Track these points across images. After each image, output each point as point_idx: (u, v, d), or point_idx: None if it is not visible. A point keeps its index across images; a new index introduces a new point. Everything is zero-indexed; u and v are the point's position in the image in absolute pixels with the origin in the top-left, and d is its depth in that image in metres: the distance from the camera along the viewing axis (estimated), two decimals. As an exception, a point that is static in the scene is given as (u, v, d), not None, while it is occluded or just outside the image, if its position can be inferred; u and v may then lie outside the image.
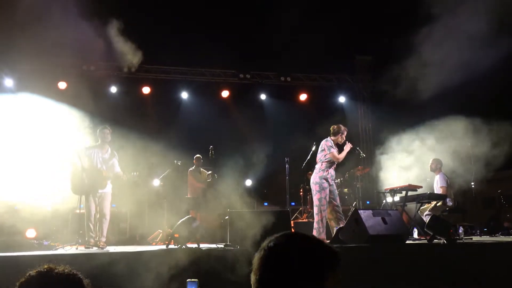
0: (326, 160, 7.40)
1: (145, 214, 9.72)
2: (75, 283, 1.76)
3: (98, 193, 7.39)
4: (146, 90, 12.46)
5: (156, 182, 9.80)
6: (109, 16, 8.71)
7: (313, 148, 9.59)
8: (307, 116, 12.63)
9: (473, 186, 10.30)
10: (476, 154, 9.70)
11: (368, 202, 11.90)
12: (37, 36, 8.31)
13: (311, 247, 1.53)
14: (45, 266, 1.75)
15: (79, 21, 8.27)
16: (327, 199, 7.25)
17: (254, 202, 10.93)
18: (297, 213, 11.15)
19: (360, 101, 14.00)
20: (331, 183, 7.38)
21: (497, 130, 9.27)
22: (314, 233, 7.20)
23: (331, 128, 7.66)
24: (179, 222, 6.66)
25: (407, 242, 6.86)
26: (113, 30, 8.72)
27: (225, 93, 12.97)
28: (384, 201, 9.30)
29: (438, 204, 8.49)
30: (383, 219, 6.49)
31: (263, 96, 13.28)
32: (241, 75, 12.99)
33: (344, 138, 7.60)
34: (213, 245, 6.74)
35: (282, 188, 10.47)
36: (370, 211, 6.67)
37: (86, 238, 7.24)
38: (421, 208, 8.47)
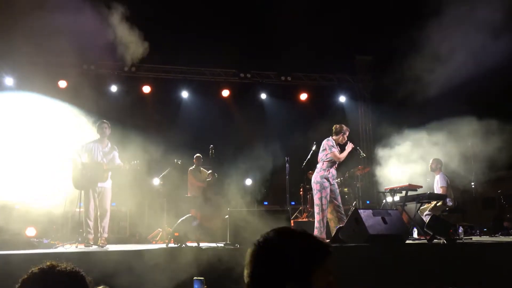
0: (327, 159, 7.40)
1: (145, 212, 9.73)
2: (77, 281, 1.76)
3: (98, 188, 7.39)
4: (146, 89, 12.45)
5: (156, 181, 9.80)
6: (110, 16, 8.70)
7: (313, 148, 9.59)
8: (307, 115, 12.63)
9: (473, 186, 10.30)
10: (476, 154, 9.71)
11: (368, 202, 11.90)
12: (37, 35, 8.31)
13: (298, 242, 1.56)
14: (48, 263, 1.75)
15: (80, 18, 8.26)
16: (328, 198, 7.25)
17: (254, 201, 10.95)
18: (297, 213, 11.16)
19: (360, 101, 14.00)
20: (332, 183, 7.38)
21: (497, 130, 9.27)
22: (316, 232, 7.20)
23: (333, 128, 7.67)
24: (179, 221, 6.67)
25: (407, 242, 6.86)
26: (117, 17, 8.64)
27: (225, 93, 12.96)
28: (384, 201, 9.31)
29: (438, 204, 8.50)
30: (383, 219, 6.50)
31: (263, 96, 13.27)
32: (242, 75, 12.98)
33: (346, 138, 7.60)
34: (213, 244, 6.74)
35: (282, 188, 10.47)
36: (370, 210, 6.68)
37: (84, 234, 7.25)
38: (421, 208, 8.48)
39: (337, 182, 7.82)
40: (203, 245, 6.54)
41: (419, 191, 8.37)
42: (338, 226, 6.95)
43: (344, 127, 7.63)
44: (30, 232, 7.64)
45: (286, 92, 13.43)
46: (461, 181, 9.77)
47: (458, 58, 9.11)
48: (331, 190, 7.32)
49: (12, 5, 8.05)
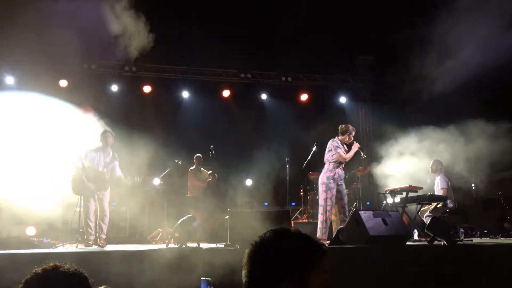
0: (333, 160, 7.41)
1: (145, 213, 9.70)
2: (80, 282, 1.76)
3: (97, 193, 7.41)
4: (147, 89, 12.44)
5: (156, 181, 9.79)
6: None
7: (314, 148, 9.60)
8: (307, 116, 12.62)
9: (473, 187, 10.30)
10: (477, 155, 9.70)
11: (368, 203, 11.90)
12: (38, 34, 8.30)
13: (294, 242, 1.60)
14: (51, 264, 1.75)
15: (82, 10, 8.23)
16: (333, 199, 7.26)
17: (254, 202, 10.93)
18: (297, 213, 11.15)
19: (361, 101, 13.99)
20: (339, 183, 7.39)
21: (498, 131, 9.26)
22: (318, 233, 7.21)
23: (339, 128, 7.67)
24: (179, 221, 6.66)
25: (408, 243, 6.86)
26: (121, 6, 8.56)
27: (226, 93, 12.96)
28: (384, 202, 9.30)
29: (438, 206, 8.48)
30: (384, 220, 6.49)
31: (264, 96, 13.26)
32: (242, 75, 12.98)
33: (352, 138, 7.60)
34: (213, 245, 6.74)
35: (282, 188, 10.48)
36: (371, 212, 6.67)
37: (85, 236, 7.25)
38: (421, 209, 8.47)
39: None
40: (203, 245, 6.54)
41: (420, 192, 8.36)
42: (339, 227, 6.94)
43: (350, 127, 7.64)
44: (30, 231, 7.65)
45: (287, 92, 13.43)
46: (462, 182, 9.76)
47: (459, 58, 9.11)
48: (337, 191, 7.33)
49: (12, 3, 8.05)
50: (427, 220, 7.84)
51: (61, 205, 8.10)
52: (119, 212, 9.43)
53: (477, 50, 8.89)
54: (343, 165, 7.57)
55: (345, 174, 10.48)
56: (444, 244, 6.50)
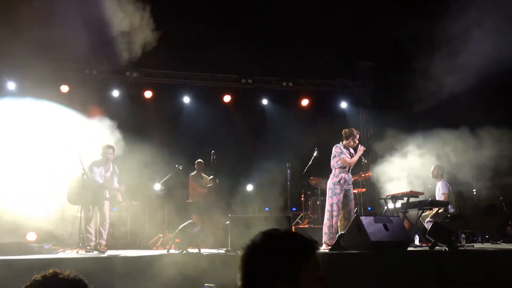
0: (338, 166, 7.43)
1: (145, 218, 9.70)
2: (80, 288, 1.76)
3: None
4: (148, 94, 12.46)
5: (157, 187, 9.79)
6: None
7: (315, 154, 9.59)
8: (309, 121, 12.61)
9: (475, 192, 10.28)
10: (479, 161, 9.70)
11: (369, 208, 11.87)
12: (39, 39, 8.32)
13: (284, 242, 1.63)
14: (51, 271, 1.75)
15: (82, 22, 8.25)
16: (340, 205, 7.25)
17: (255, 207, 10.93)
18: (298, 219, 11.14)
19: (361, 107, 13.98)
20: (346, 188, 7.39)
21: (499, 136, 9.26)
22: (324, 238, 7.20)
23: (342, 132, 7.67)
24: (180, 227, 6.65)
25: (409, 249, 6.84)
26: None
27: (227, 98, 12.97)
28: (385, 207, 9.29)
29: (439, 211, 8.47)
30: (385, 226, 6.47)
31: (265, 101, 13.26)
32: (243, 80, 12.98)
33: (357, 142, 7.60)
34: (214, 250, 6.73)
35: (283, 194, 10.46)
36: (372, 217, 6.66)
37: (85, 242, 7.25)
38: (422, 214, 8.45)
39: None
40: (204, 251, 6.53)
41: (421, 197, 8.35)
42: (340, 233, 6.93)
43: (354, 131, 7.65)
44: (31, 237, 7.65)
45: (288, 98, 13.43)
46: (463, 187, 9.76)
47: (460, 65, 9.12)
48: (344, 196, 7.32)
49: (13, 8, 8.06)
50: (428, 226, 7.82)
51: (61, 211, 8.10)
52: (120, 217, 9.42)
53: (477, 53, 8.91)
54: (349, 170, 7.54)
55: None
56: (445, 249, 6.48)
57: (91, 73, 11.93)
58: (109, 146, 7.73)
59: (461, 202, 9.62)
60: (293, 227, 8.74)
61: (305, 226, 10.47)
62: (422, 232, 7.94)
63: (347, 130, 7.69)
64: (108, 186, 7.61)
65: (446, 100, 9.84)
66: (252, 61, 12.04)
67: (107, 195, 7.65)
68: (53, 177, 8.26)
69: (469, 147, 9.74)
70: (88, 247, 7.16)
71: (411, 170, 9.33)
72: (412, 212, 8.41)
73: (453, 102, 9.91)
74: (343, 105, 13.79)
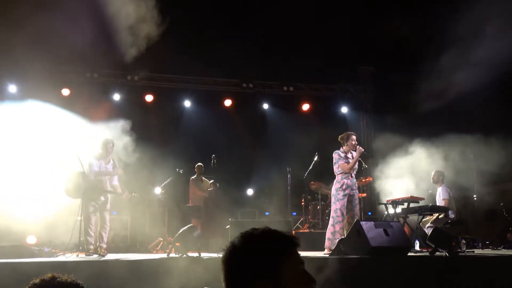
0: (340, 172, 7.42)
1: (146, 222, 9.70)
2: (77, 293, 1.76)
3: (97, 202, 7.45)
4: (149, 98, 12.49)
5: (158, 190, 9.79)
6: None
7: (315, 158, 9.59)
8: (309, 126, 12.62)
9: (475, 198, 10.27)
10: (479, 166, 9.68)
11: (369, 213, 11.86)
12: (40, 43, 8.34)
13: (261, 240, 1.63)
14: (49, 275, 1.75)
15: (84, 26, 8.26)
16: (343, 210, 7.22)
17: (256, 211, 10.92)
18: (299, 223, 11.12)
19: (362, 111, 14.00)
20: (350, 193, 7.35)
21: (500, 142, 9.25)
22: (327, 244, 7.16)
23: (339, 139, 7.64)
24: (180, 231, 6.65)
25: (409, 254, 6.82)
26: None
27: (227, 102, 12.99)
28: (385, 212, 9.27)
29: (440, 216, 8.45)
30: (385, 231, 6.46)
31: (265, 106, 13.28)
32: (244, 84, 13.00)
33: (354, 143, 7.53)
34: (214, 254, 6.71)
35: (283, 198, 10.46)
36: (372, 222, 6.64)
37: (85, 245, 7.23)
38: (423, 220, 8.43)
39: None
40: (204, 255, 6.52)
41: (421, 203, 8.33)
42: (340, 238, 6.92)
43: (349, 133, 7.61)
44: (31, 240, 7.64)
45: (288, 102, 13.45)
46: (464, 193, 9.74)
47: (460, 71, 9.13)
48: (348, 201, 7.31)
49: (15, 12, 8.08)
50: (428, 231, 7.80)
51: (62, 214, 8.09)
52: (120, 221, 9.43)
53: (477, 58, 8.92)
54: (351, 175, 7.49)
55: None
56: (445, 255, 6.47)
57: (92, 76, 11.95)
58: (109, 141, 7.74)
59: (462, 208, 9.60)
60: (293, 232, 8.73)
61: (305, 230, 10.46)
62: (423, 237, 7.92)
63: (342, 135, 7.66)
64: (106, 172, 7.60)
65: (447, 105, 9.84)
66: (253, 66, 12.07)
67: (108, 187, 7.62)
68: (53, 178, 8.25)
69: (470, 152, 9.73)
70: (89, 251, 7.15)
71: (411, 175, 9.32)
72: (413, 218, 8.38)
73: (454, 106, 9.91)
74: (344, 109, 13.81)
